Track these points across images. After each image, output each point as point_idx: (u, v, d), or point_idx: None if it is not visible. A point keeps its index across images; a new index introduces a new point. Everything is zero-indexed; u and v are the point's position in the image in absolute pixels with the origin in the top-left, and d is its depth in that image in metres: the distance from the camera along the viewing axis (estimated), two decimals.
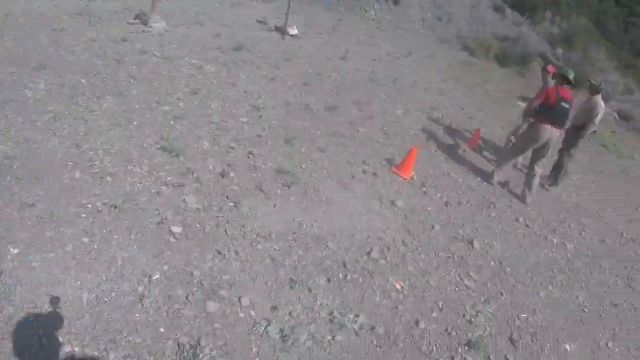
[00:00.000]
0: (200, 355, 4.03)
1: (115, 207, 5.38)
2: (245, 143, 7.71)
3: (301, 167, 7.59)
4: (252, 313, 4.72)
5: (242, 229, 5.81)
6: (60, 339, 3.81)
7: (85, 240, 4.85)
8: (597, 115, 9.78)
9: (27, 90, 7.30)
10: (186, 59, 10.27)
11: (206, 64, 10.27)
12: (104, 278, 4.48)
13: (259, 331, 4.53)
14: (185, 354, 4.04)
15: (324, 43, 15.47)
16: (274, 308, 4.86)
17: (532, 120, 9.11)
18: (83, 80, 7.98)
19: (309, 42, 14.88)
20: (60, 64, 8.30)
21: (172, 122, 7.60)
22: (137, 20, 11.70)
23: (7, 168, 5.54)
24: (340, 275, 5.63)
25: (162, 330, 4.21)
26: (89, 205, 5.31)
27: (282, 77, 11.02)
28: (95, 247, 4.81)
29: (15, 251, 4.50)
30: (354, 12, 20.68)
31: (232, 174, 6.79)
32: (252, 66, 11.13)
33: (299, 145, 8.22)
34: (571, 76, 8.73)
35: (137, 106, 7.74)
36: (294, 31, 14.79)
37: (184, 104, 8.31)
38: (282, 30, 14.73)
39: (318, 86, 11.24)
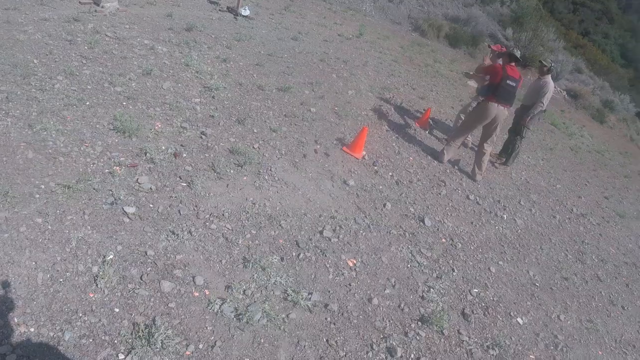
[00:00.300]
0: (156, 335, 4.06)
1: (68, 187, 5.35)
2: (198, 123, 7.72)
3: (254, 147, 7.64)
4: (207, 292, 4.78)
5: (196, 208, 5.85)
6: (16, 319, 3.83)
7: (39, 220, 4.83)
8: (545, 94, 10.02)
9: None
10: (138, 39, 10.14)
11: (158, 45, 10.17)
12: (58, 258, 4.49)
13: (213, 310, 4.60)
14: (140, 333, 4.08)
15: (276, 24, 15.44)
16: (228, 287, 4.92)
17: (481, 98, 9.29)
18: (35, 60, 7.84)
19: (261, 22, 14.82)
20: (12, 44, 8.12)
21: (124, 103, 7.55)
22: (90, 0, 11.51)
23: None
24: (294, 254, 5.73)
25: (117, 310, 4.24)
26: (43, 186, 5.27)
27: (235, 58, 10.99)
28: (49, 227, 4.80)
29: None
30: None
31: (185, 155, 6.80)
32: (204, 47, 11.06)
33: (252, 125, 8.25)
34: (517, 54, 8.95)
35: (89, 86, 7.64)
36: (246, 12, 14.70)
37: (137, 84, 8.23)
38: (234, 11, 14.64)
39: (270, 67, 11.25)
